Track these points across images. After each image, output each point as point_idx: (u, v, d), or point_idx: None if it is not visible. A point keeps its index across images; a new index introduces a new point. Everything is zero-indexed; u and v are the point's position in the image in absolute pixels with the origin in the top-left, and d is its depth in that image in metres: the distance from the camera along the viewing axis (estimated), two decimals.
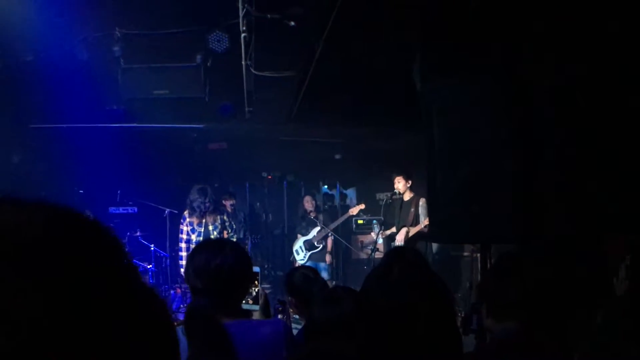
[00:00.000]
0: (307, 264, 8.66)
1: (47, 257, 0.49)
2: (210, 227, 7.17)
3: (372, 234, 9.56)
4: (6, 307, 0.46)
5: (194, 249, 2.52)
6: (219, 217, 7.28)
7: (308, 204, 9.15)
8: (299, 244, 9.10)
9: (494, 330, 2.08)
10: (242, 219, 10.08)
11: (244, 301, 2.81)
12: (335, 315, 2.19)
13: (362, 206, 9.09)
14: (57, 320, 0.47)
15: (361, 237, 10.73)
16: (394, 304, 1.51)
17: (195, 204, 7.02)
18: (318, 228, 8.90)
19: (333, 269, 9.33)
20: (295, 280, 3.48)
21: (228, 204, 8.94)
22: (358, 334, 1.60)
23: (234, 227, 7.65)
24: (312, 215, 9.03)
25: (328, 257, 8.94)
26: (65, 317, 0.47)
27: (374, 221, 9.93)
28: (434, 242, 6.87)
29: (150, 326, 0.54)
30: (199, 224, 7.13)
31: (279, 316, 3.35)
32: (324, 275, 8.38)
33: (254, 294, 2.87)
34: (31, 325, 0.46)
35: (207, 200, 7.02)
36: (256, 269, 2.97)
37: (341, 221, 9.41)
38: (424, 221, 7.09)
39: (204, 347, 1.64)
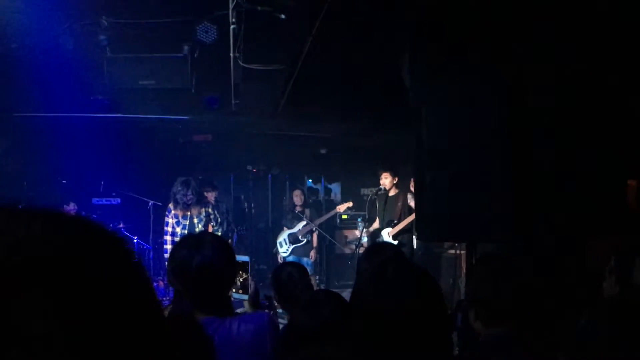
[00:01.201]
0: (290, 257, 8.63)
1: (59, 271, 0.48)
2: (195, 220, 7.14)
3: (356, 232, 9.54)
4: (19, 323, 0.45)
5: (173, 248, 2.45)
6: (203, 209, 7.24)
7: (297, 198, 9.09)
8: (283, 236, 9.03)
9: (483, 335, 2.09)
10: (225, 211, 10.01)
11: (234, 290, 2.79)
12: (316, 321, 2.16)
13: (350, 204, 8.99)
14: (71, 337, 0.46)
15: (345, 232, 10.74)
16: (389, 303, 1.50)
17: (177, 196, 6.98)
18: (304, 222, 8.87)
19: (317, 264, 9.29)
20: (281, 277, 3.48)
21: (210, 195, 8.88)
22: (349, 334, 1.59)
23: (219, 219, 7.61)
24: (299, 209, 8.99)
25: (313, 254, 8.91)
26: (79, 332, 0.47)
27: (359, 219, 9.92)
28: (421, 239, 6.88)
29: (159, 343, 0.53)
30: (184, 217, 7.10)
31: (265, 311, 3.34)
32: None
33: (244, 283, 2.85)
34: (45, 341, 0.45)
35: (189, 192, 6.97)
36: (246, 258, 2.95)
37: (327, 217, 9.39)
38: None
39: (183, 350, 1.62)
